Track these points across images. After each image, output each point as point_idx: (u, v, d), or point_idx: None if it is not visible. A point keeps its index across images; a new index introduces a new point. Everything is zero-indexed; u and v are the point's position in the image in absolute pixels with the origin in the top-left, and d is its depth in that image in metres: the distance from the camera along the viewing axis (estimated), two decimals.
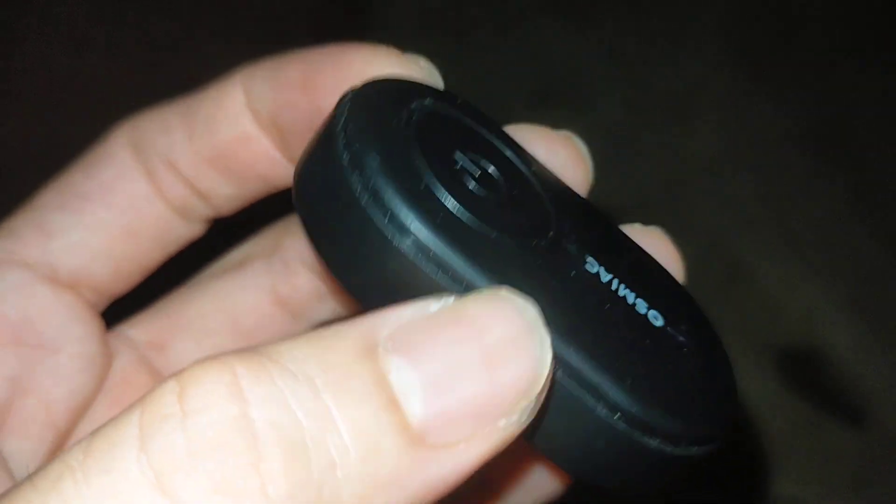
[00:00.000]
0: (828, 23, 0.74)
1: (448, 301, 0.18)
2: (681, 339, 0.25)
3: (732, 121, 0.70)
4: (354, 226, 0.21)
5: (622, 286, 0.23)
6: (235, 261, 0.31)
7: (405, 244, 0.20)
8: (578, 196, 0.26)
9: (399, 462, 0.16)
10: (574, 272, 0.23)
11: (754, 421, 0.58)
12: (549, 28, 0.74)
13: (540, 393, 0.18)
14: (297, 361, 0.17)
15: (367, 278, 0.21)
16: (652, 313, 0.24)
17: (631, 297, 0.23)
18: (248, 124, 0.27)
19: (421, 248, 0.20)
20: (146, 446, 0.16)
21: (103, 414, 0.27)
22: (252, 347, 0.17)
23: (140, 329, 0.30)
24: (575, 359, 0.21)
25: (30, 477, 0.16)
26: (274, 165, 0.27)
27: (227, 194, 0.28)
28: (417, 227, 0.20)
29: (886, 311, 0.61)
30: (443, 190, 0.21)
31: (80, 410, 0.27)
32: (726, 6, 0.75)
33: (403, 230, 0.20)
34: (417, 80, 0.25)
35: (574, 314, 0.22)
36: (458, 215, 0.21)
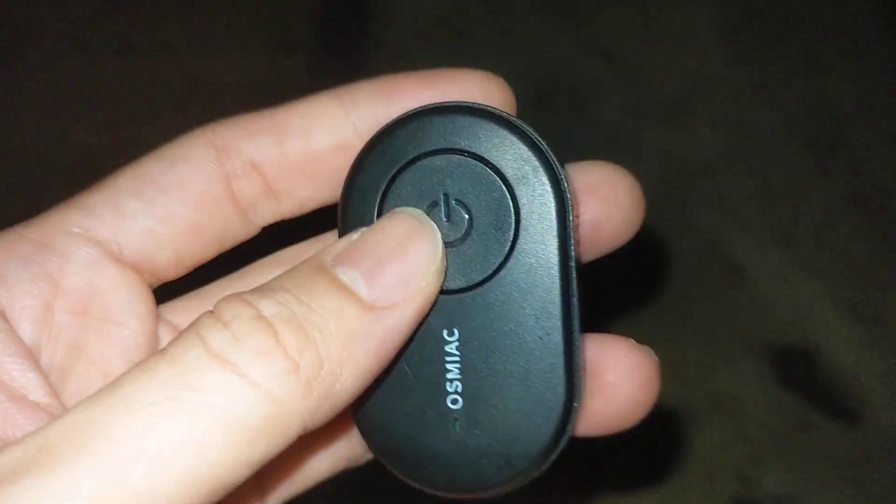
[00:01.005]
0: (823, 26, 0.74)
1: (363, 229, 0.27)
2: (457, 427, 0.29)
3: (729, 123, 0.70)
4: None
5: (456, 365, 0.29)
6: (284, 259, 0.33)
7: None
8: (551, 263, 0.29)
9: (362, 321, 0.25)
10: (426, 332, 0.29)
11: (749, 418, 0.58)
12: (549, 30, 0.74)
13: (441, 259, 0.28)
14: (278, 286, 0.25)
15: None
16: (452, 397, 0.29)
17: (452, 374, 0.29)
18: (349, 135, 0.31)
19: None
20: (207, 341, 0.23)
21: None
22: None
23: (182, 316, 0.32)
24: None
25: (137, 366, 0.23)
26: None
27: (303, 196, 0.32)
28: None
29: (880, 311, 0.61)
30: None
31: None
32: (724, 9, 0.75)
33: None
34: (473, 108, 0.29)
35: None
36: None
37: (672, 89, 0.72)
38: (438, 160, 0.29)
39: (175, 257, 0.31)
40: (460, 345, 0.29)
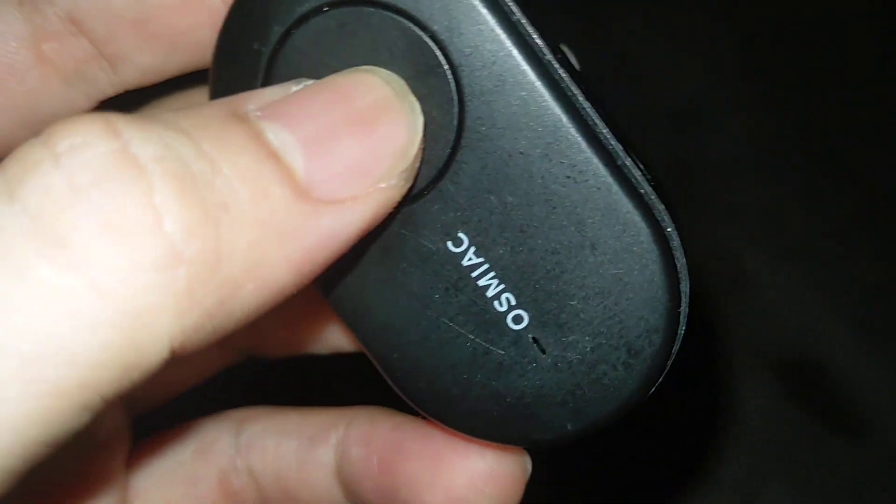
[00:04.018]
0: (837, 37, 0.74)
1: (307, 82, 0.19)
2: (539, 349, 0.21)
3: (741, 131, 0.70)
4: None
5: (490, 274, 0.21)
6: None
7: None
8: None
9: (289, 212, 0.16)
10: (429, 247, 0.21)
11: (754, 431, 0.58)
12: (561, 33, 0.74)
13: (415, 158, 0.19)
14: (168, 119, 0.16)
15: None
16: (515, 313, 0.21)
17: (494, 289, 0.21)
18: None
19: None
20: (16, 194, 0.14)
21: None
22: None
23: None
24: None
25: None
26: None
27: (145, 64, 0.23)
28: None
29: (889, 325, 0.61)
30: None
31: None
32: (738, 17, 0.75)
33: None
34: None
35: (399, 300, 0.21)
36: None
37: (683, 96, 0.71)
38: (308, 30, 0.20)
39: None
40: (477, 248, 0.21)
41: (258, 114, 0.17)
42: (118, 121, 0.15)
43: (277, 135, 0.17)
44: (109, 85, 0.23)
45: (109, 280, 0.14)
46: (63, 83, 0.23)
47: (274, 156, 0.17)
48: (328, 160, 0.17)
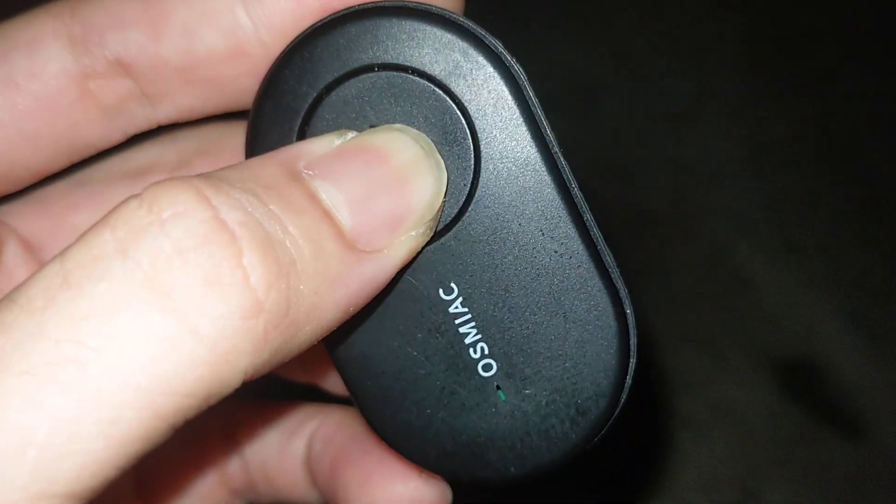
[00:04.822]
0: (837, 35, 0.74)
1: (347, 135, 0.22)
2: (502, 395, 0.24)
3: (739, 131, 0.70)
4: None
5: (471, 324, 0.24)
6: (137, 167, 0.27)
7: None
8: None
9: (340, 263, 0.19)
10: (419, 289, 0.24)
11: (751, 430, 0.58)
12: (562, 32, 0.74)
13: (439, 209, 0.22)
14: (238, 181, 0.19)
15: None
16: (486, 362, 0.24)
17: (472, 338, 0.24)
18: (248, 38, 0.24)
19: None
20: (130, 254, 0.17)
21: None
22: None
23: (24, 222, 0.27)
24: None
25: (9, 298, 0.17)
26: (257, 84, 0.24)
27: (185, 105, 0.25)
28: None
29: (887, 325, 0.61)
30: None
31: None
32: (737, 18, 0.75)
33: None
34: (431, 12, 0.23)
35: (388, 337, 0.24)
36: None
37: (683, 96, 0.72)
38: (356, 84, 0.23)
39: (6, 170, 0.25)
40: (465, 299, 0.24)
41: (310, 173, 0.20)
42: (204, 187, 0.18)
43: (328, 193, 0.20)
44: (145, 120, 0.26)
45: (206, 327, 0.17)
46: (103, 117, 0.25)
47: (327, 214, 0.20)
48: (369, 216, 0.20)
